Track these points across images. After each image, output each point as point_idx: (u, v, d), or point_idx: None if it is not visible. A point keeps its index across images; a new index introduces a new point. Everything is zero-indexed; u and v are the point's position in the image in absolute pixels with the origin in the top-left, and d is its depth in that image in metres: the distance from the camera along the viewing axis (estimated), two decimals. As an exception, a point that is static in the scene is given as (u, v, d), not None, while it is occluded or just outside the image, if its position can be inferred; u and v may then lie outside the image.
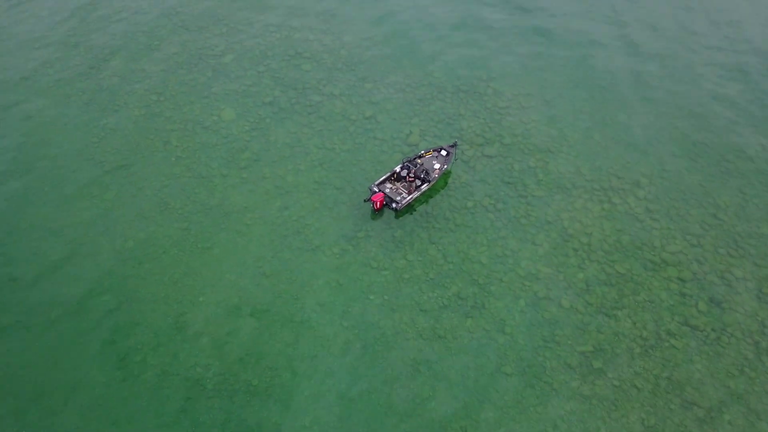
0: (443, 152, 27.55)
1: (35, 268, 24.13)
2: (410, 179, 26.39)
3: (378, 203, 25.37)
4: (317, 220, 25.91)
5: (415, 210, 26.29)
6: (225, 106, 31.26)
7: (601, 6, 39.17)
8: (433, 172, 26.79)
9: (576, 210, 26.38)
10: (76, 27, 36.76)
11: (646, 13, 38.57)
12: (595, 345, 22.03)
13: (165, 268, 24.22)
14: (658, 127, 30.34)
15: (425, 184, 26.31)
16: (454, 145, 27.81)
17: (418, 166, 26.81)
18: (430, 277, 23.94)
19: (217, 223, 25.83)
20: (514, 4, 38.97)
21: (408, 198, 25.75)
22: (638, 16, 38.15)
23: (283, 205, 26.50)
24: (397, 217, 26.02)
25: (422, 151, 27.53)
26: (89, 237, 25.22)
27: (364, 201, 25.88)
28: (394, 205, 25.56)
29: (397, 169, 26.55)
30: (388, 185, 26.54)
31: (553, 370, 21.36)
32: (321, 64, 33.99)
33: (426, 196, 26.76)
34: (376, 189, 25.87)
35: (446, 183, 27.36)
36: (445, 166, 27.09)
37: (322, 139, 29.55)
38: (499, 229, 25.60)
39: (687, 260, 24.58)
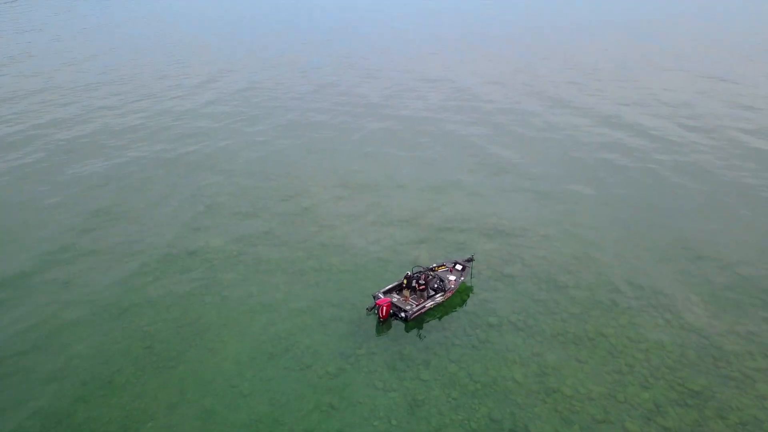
0: (458, 266, 23.90)
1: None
2: (422, 288, 22.29)
3: (384, 309, 21.01)
4: (308, 337, 21.24)
5: (427, 326, 21.74)
6: (214, 236, 28.50)
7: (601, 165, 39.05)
8: (448, 282, 22.86)
9: (621, 326, 21.87)
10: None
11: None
12: (686, 482, 15.92)
13: (113, 390, 18.93)
14: (695, 243, 27.25)
15: (440, 294, 22.16)
16: (470, 260, 24.35)
17: (431, 276, 22.92)
18: (452, 398, 18.51)
19: (186, 340, 21.14)
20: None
21: (419, 307, 21.45)
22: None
23: (269, 322, 22.05)
24: (406, 330, 21.41)
25: (434, 265, 23.93)
26: (26, 354, 20.40)
27: (367, 310, 21.57)
28: (403, 314, 21.16)
29: (409, 273, 22.56)
30: (396, 295, 22.40)
31: None
32: (320, 199, 32.26)
33: (439, 313, 22.42)
34: (381, 296, 21.73)
35: (463, 301, 23.22)
36: (462, 279, 23.26)
37: (320, 261, 26.17)
38: (532, 346, 20.81)
39: (776, 377, 19.42)
